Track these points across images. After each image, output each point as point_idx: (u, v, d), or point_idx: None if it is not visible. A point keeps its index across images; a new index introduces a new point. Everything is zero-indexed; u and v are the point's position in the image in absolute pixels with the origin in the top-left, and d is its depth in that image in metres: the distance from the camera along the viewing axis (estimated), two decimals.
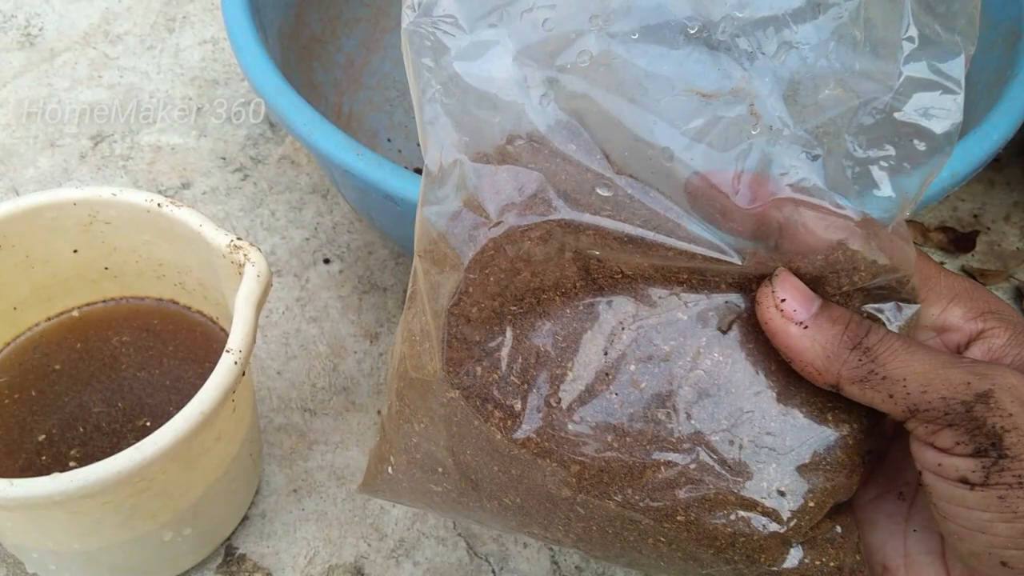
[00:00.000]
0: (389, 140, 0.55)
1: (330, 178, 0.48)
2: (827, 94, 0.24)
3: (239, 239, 0.36)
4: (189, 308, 0.42)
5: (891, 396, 0.23)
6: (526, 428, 0.25)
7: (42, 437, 0.37)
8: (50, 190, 0.38)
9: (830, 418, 0.25)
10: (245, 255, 0.35)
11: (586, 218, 0.24)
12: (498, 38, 0.25)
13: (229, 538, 0.40)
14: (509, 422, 0.25)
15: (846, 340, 0.24)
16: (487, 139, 0.25)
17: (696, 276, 0.26)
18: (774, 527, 0.25)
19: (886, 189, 0.25)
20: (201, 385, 0.32)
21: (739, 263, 0.25)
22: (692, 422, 0.25)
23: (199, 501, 0.35)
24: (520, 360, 0.25)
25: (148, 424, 0.37)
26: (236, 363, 0.32)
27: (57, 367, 0.39)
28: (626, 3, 0.25)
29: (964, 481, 0.23)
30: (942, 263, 0.52)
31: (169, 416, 0.31)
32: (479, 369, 0.25)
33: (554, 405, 0.25)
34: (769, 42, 0.25)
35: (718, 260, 0.25)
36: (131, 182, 0.54)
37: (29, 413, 0.38)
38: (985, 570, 0.23)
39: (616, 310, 0.26)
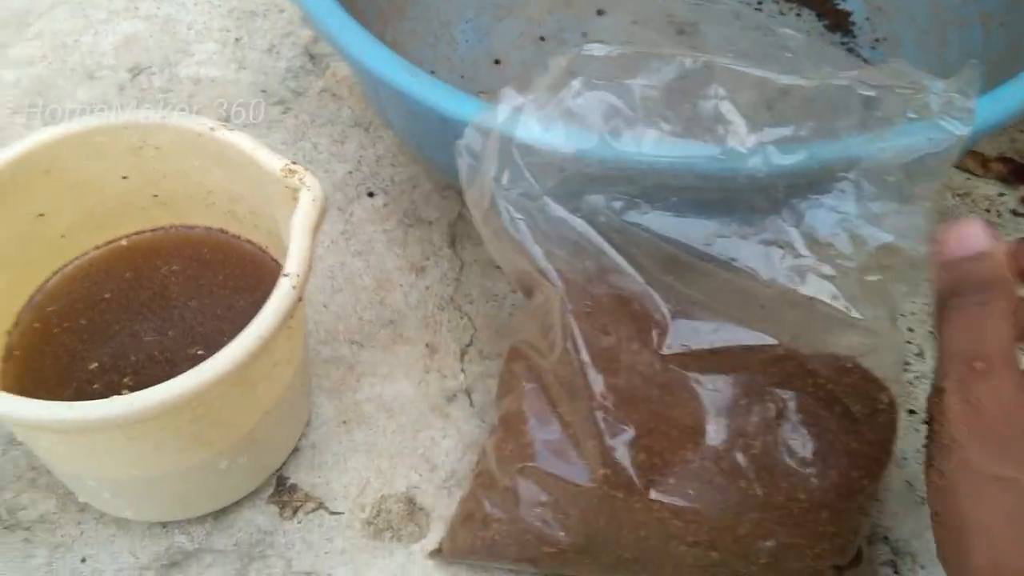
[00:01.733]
0: (433, 72, 0.54)
1: (376, 107, 0.46)
2: None
3: (293, 163, 0.35)
4: (239, 237, 0.41)
5: None
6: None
7: (94, 365, 0.37)
8: (99, 114, 0.37)
9: None
10: (300, 179, 0.35)
11: None
12: None
13: (280, 468, 0.40)
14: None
15: None
16: None
17: None
18: None
19: None
20: (253, 314, 0.31)
21: None
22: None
23: (255, 429, 0.35)
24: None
25: (201, 352, 0.37)
26: (294, 287, 0.31)
27: (107, 296, 0.39)
28: None
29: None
30: (1001, 194, 0.51)
31: (222, 345, 0.30)
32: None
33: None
34: None
35: None
36: None
37: (79, 342, 0.37)
38: None
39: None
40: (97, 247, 0.40)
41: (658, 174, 0.33)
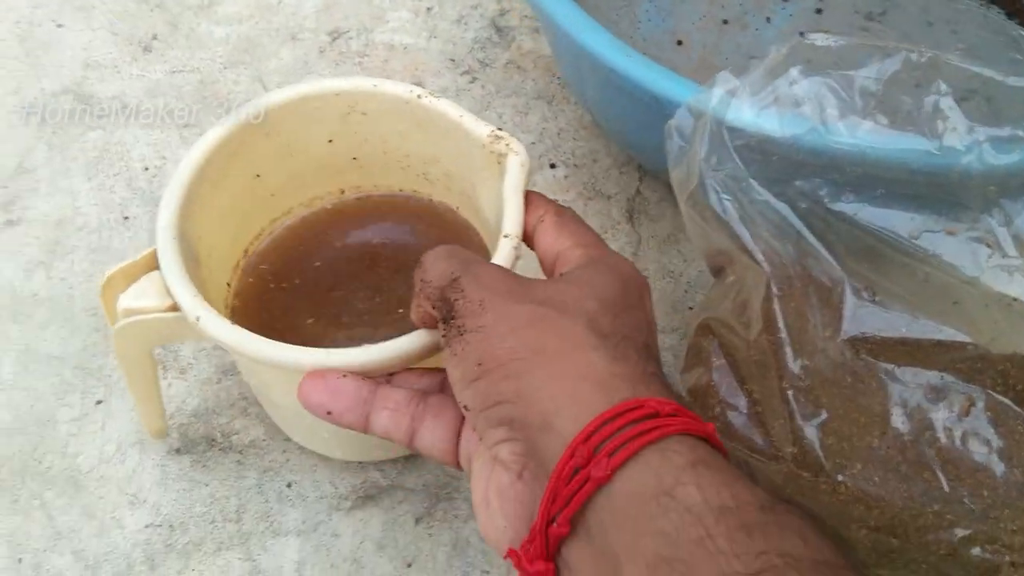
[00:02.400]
0: None
1: (571, 80, 0.48)
2: None
3: (499, 130, 0.37)
4: (430, 199, 0.43)
5: (426, 297, 0.29)
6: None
7: (310, 320, 0.39)
8: (314, 80, 0.39)
9: None
10: (507, 145, 0.36)
11: None
12: None
13: None
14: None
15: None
16: None
17: None
18: None
19: None
20: None
21: None
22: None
23: None
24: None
25: (402, 312, 0.39)
26: (515, 248, 0.33)
27: (317, 264, 0.41)
28: None
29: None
30: None
31: None
32: None
33: None
34: None
35: None
36: None
37: (294, 299, 0.40)
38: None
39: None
40: (301, 204, 0.43)
41: (870, 165, 0.34)
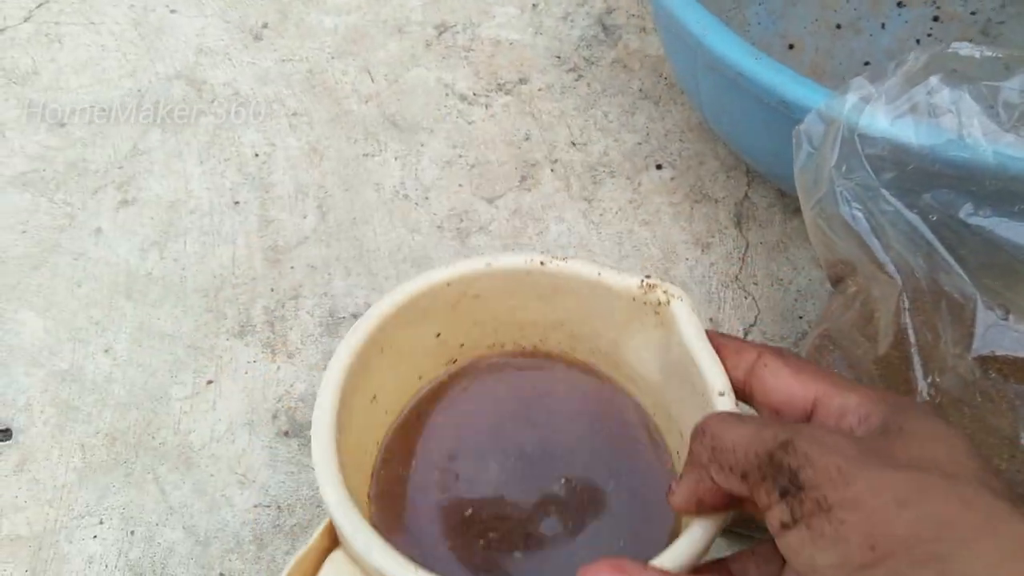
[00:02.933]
0: None
1: (685, 80, 0.48)
2: None
3: (648, 277, 0.32)
4: (549, 356, 0.37)
5: (730, 468, 0.24)
6: None
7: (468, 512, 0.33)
8: (422, 275, 0.33)
9: None
10: (665, 292, 0.32)
11: None
12: None
13: None
14: None
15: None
16: None
17: None
18: None
19: None
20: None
21: None
22: None
23: None
24: None
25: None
26: (735, 404, 0.29)
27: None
28: None
29: (784, 527, 0.23)
30: None
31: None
32: None
33: None
34: None
35: None
36: (472, 73, 0.56)
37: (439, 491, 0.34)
38: None
39: None
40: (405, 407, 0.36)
41: (1010, 179, 0.33)
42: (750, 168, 0.51)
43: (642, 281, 0.32)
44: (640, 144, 0.52)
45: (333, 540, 0.28)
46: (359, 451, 0.32)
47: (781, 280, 0.46)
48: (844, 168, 0.35)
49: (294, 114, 0.54)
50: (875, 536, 0.21)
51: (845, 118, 0.34)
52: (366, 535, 0.26)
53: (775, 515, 0.23)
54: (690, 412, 0.30)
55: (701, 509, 0.27)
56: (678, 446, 0.33)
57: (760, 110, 0.40)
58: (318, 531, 0.28)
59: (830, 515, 0.22)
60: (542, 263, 0.33)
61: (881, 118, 0.34)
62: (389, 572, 0.26)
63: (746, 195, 0.50)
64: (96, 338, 0.44)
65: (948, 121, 0.33)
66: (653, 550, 0.27)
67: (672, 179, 0.51)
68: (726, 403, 0.29)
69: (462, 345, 0.36)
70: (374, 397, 0.33)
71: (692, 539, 0.26)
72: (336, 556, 0.28)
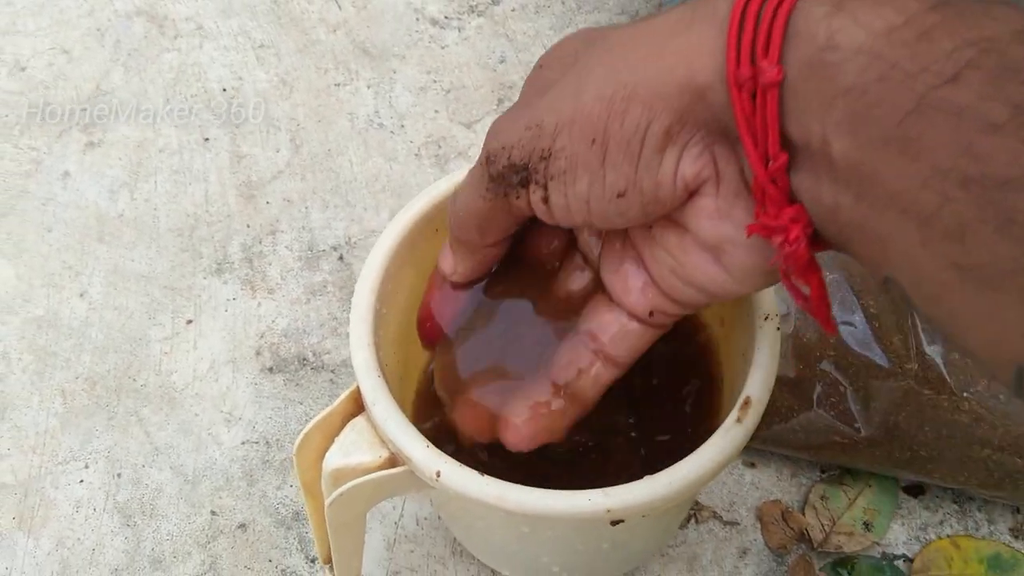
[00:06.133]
0: None
1: None
2: None
3: None
4: None
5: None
6: None
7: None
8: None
9: None
10: None
11: None
12: None
13: None
14: None
15: None
16: None
17: None
18: None
19: None
20: None
21: None
22: None
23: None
24: None
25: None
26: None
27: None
28: None
29: (545, 200, 0.23)
30: None
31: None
32: None
33: None
34: None
35: None
36: None
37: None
38: None
39: None
40: None
41: None
42: None
43: None
44: None
45: (358, 406, 0.27)
46: (404, 331, 0.31)
47: None
48: None
49: (261, 46, 0.52)
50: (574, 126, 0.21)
51: None
52: (385, 404, 0.26)
53: (534, 202, 0.23)
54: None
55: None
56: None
57: None
58: (344, 395, 0.28)
59: (552, 160, 0.22)
60: None
61: None
62: (401, 445, 0.25)
63: None
64: (70, 283, 0.43)
65: None
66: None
67: None
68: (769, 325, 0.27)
69: None
70: (423, 274, 0.31)
71: (687, 468, 0.25)
72: (358, 422, 0.27)
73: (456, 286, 0.27)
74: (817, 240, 0.20)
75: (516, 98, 0.22)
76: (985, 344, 0.17)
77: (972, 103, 0.16)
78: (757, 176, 0.19)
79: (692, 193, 0.21)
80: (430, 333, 0.28)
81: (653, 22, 0.21)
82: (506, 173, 0.23)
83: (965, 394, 0.32)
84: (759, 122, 0.19)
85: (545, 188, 0.22)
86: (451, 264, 0.27)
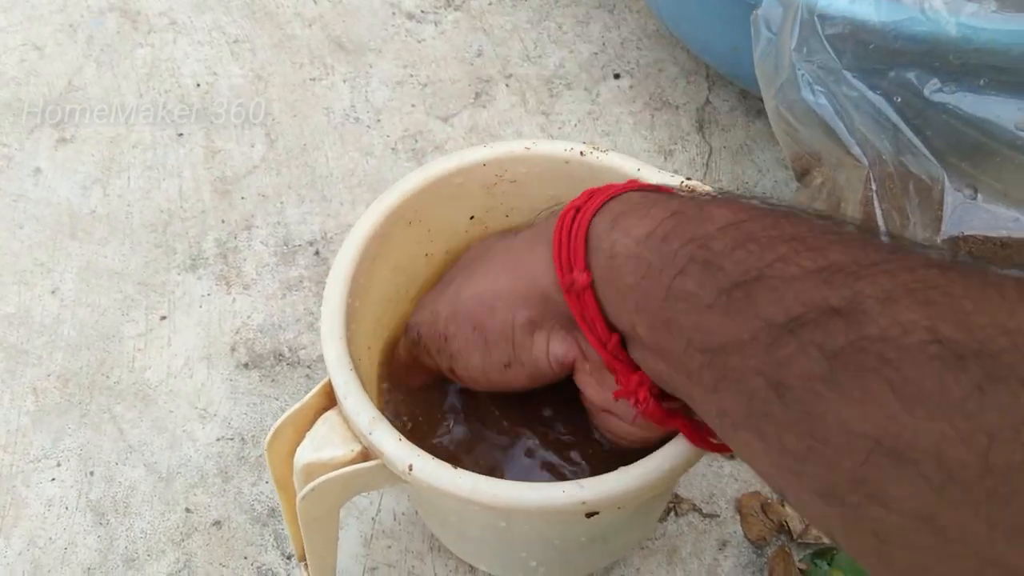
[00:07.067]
0: None
1: None
2: None
3: (689, 179, 0.30)
4: None
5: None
6: None
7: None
8: (457, 153, 0.32)
9: None
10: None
11: None
12: None
13: None
14: None
15: None
16: None
17: None
18: None
19: None
20: None
21: None
22: None
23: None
24: None
25: None
26: None
27: None
28: None
29: (452, 372, 0.28)
30: None
31: None
32: None
33: None
34: None
35: None
36: None
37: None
38: None
39: None
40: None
41: (974, 51, 0.32)
42: (711, 71, 0.50)
43: (682, 183, 0.30)
44: (596, 54, 0.51)
45: (330, 400, 0.27)
46: (378, 324, 0.32)
47: (747, 183, 0.45)
48: (804, 50, 0.33)
49: (235, 41, 0.52)
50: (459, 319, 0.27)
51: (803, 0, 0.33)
52: (357, 397, 0.26)
53: (445, 370, 0.28)
54: None
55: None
56: None
57: (717, 1, 0.38)
58: (315, 389, 0.28)
59: (450, 340, 0.27)
60: (582, 153, 0.33)
61: None
62: (374, 439, 0.25)
63: (707, 100, 0.48)
64: (42, 280, 0.43)
65: None
66: None
67: (631, 88, 0.49)
68: None
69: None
70: (396, 267, 0.32)
71: (656, 462, 0.25)
72: (330, 416, 0.27)
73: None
74: (666, 395, 0.24)
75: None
76: (762, 476, 0.20)
77: (694, 289, 0.20)
78: (601, 355, 0.24)
79: (568, 367, 0.26)
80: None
81: (514, 242, 0.27)
82: (418, 342, 0.29)
83: None
84: (588, 315, 0.24)
85: (451, 359, 0.28)
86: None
